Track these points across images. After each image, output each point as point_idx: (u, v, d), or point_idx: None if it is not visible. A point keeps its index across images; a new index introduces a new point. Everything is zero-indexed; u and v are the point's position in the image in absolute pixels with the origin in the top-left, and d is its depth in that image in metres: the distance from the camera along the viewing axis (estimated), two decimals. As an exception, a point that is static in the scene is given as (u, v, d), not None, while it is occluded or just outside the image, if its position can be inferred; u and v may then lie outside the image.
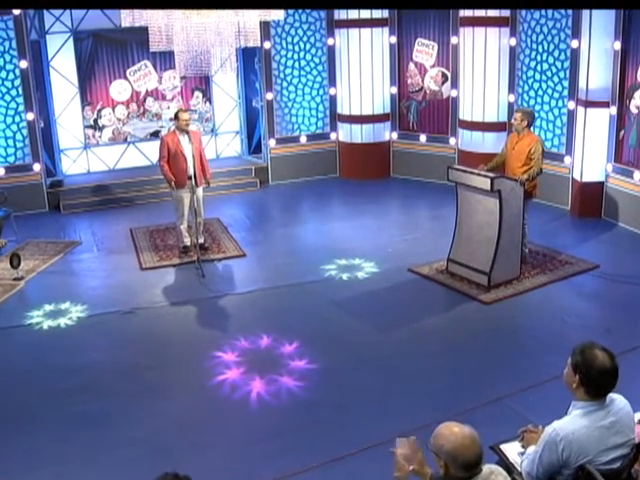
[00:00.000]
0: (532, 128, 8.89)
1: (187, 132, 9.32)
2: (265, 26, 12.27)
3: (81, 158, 12.97)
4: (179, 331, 7.87)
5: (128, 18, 7.20)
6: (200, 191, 9.60)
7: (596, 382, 3.67)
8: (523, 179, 8.36)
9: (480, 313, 8.03)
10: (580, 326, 7.65)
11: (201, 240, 9.81)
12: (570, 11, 10.70)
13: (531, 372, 6.75)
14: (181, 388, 6.73)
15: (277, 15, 7.61)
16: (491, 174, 8.33)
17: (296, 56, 13.11)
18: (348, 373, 6.90)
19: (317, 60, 13.25)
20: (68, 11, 12.25)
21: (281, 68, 13.07)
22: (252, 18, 7.25)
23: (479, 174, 8.39)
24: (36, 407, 6.45)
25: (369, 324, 7.86)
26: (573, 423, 3.69)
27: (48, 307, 8.38)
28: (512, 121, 9.01)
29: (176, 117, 9.57)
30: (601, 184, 10.68)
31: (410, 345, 7.40)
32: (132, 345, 7.54)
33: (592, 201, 10.75)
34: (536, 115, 10.41)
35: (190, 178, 9.38)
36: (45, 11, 12.08)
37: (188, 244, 9.88)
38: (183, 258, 9.79)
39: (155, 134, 13.12)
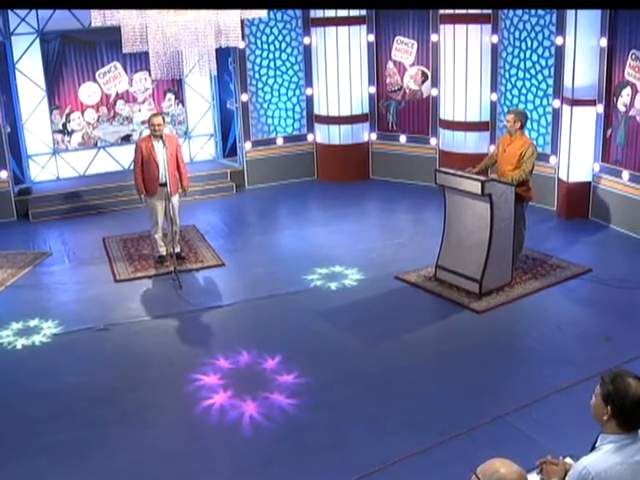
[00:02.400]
0: (524, 129, 8.58)
1: (161, 137, 8.91)
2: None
3: (50, 164, 12.48)
4: (158, 349, 7.44)
5: (99, 17, 6.75)
6: (175, 199, 9.21)
7: (631, 414, 3.32)
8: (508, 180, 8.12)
9: (473, 323, 7.71)
10: (577, 334, 7.40)
11: (177, 250, 9.39)
12: (554, 7, 10.45)
13: (531, 386, 6.45)
14: (162, 412, 6.31)
15: (259, 13, 7.23)
16: (481, 177, 8.02)
17: (271, 56, 12.73)
18: (338, 391, 6.53)
19: (293, 60, 12.88)
20: (34, 11, 11.77)
21: (256, 68, 12.70)
22: (232, 16, 6.87)
23: (468, 177, 8.07)
24: (7, 436, 6.00)
25: (357, 337, 7.51)
26: (605, 460, 3.35)
27: (18, 324, 7.93)
28: (504, 123, 8.69)
29: (148, 122, 9.17)
30: (588, 184, 10.44)
31: (401, 359, 7.06)
32: (108, 366, 7.09)
33: (579, 202, 10.51)
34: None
35: (162, 185, 9.00)
36: (10, 11, 11.59)
37: (164, 254, 9.46)
38: (159, 269, 9.36)
39: (126, 138, 12.69)
